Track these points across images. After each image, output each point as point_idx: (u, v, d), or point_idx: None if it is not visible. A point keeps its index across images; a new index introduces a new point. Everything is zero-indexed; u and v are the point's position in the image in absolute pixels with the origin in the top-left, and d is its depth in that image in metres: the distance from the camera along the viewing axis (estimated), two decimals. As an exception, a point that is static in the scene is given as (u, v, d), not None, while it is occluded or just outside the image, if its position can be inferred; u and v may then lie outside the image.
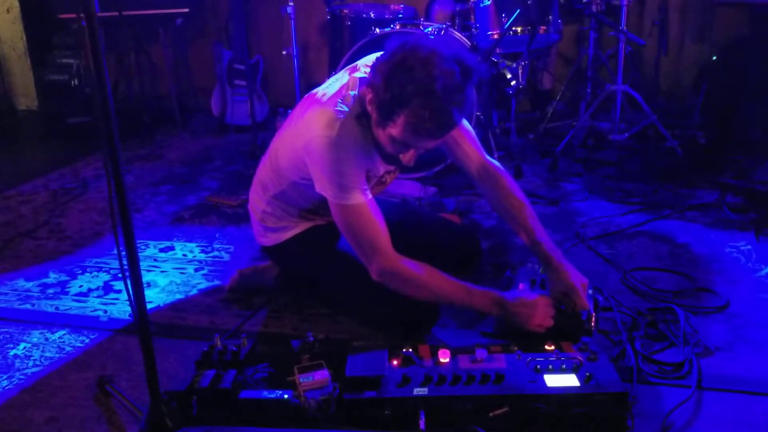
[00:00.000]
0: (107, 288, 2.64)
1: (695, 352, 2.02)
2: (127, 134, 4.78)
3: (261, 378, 1.81)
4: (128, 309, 2.40)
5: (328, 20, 4.48)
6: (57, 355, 2.18)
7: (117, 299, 2.54)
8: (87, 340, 2.27)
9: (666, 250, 2.76)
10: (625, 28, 3.81)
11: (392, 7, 4.29)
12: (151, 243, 3.04)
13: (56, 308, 2.49)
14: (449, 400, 1.67)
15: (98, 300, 2.54)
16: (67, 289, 2.63)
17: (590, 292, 2.10)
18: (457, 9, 4.00)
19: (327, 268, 2.28)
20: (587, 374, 1.70)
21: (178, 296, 2.56)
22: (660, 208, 3.19)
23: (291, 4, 4.18)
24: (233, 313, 2.41)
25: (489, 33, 3.75)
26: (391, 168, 2.21)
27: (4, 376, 2.08)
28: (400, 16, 4.16)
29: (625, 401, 1.67)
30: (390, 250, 2.01)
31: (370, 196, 2.03)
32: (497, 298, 2.01)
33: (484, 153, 2.28)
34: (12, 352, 2.21)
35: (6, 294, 2.61)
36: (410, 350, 1.84)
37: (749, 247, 2.76)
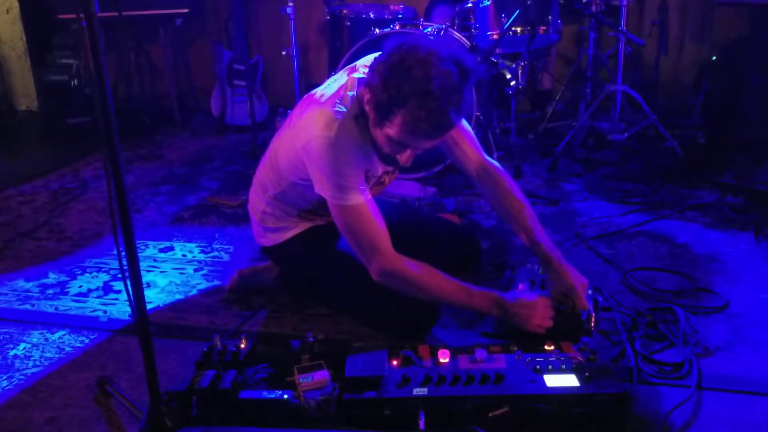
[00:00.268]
0: (107, 288, 2.64)
1: (695, 352, 2.01)
2: (127, 134, 4.78)
3: (261, 378, 1.81)
4: (128, 309, 2.40)
5: (328, 20, 4.48)
6: (57, 356, 2.18)
7: (117, 299, 2.54)
8: (87, 341, 2.27)
9: (666, 250, 2.76)
10: (624, 28, 3.81)
11: (392, 7, 4.29)
12: (151, 243, 3.04)
13: (56, 308, 2.49)
14: (449, 401, 1.67)
15: (98, 300, 2.54)
16: (66, 290, 2.63)
17: (590, 292, 2.10)
18: (457, 9, 4.00)
19: (327, 268, 2.28)
20: (587, 374, 1.70)
21: (178, 296, 2.56)
22: (660, 208, 3.19)
23: (291, 4, 4.18)
24: (233, 313, 2.41)
25: (488, 33, 3.75)
26: (390, 168, 2.21)
27: (4, 377, 2.08)
28: (400, 16, 4.17)
29: (625, 401, 1.67)
30: (390, 250, 2.01)
31: (369, 196, 2.03)
32: (497, 299, 2.01)
33: (484, 153, 2.28)
34: (12, 353, 2.21)
35: (6, 294, 2.61)
36: (410, 350, 1.84)
37: (749, 247, 2.76)
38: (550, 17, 3.76)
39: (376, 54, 1.96)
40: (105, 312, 2.45)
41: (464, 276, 2.09)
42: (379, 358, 1.82)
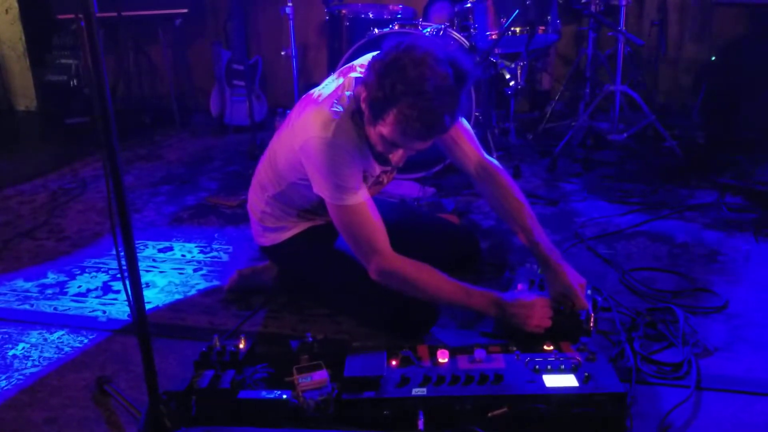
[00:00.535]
0: (106, 288, 2.64)
1: (694, 352, 2.01)
2: (126, 134, 4.78)
3: (260, 378, 1.81)
4: (127, 309, 2.40)
5: (327, 20, 4.48)
6: (56, 356, 2.18)
7: (116, 300, 2.54)
8: (86, 341, 2.27)
9: (665, 251, 2.76)
10: (623, 28, 3.81)
11: (391, 7, 4.29)
12: (150, 243, 3.04)
13: (55, 309, 2.49)
14: (448, 401, 1.67)
15: (97, 300, 2.54)
16: (65, 290, 2.63)
17: (589, 292, 2.10)
18: (456, 9, 4.00)
19: (326, 267, 2.28)
20: (586, 374, 1.70)
21: (177, 296, 2.55)
22: (659, 208, 3.19)
23: (290, 4, 4.19)
24: (232, 313, 2.41)
25: (488, 33, 3.75)
26: (388, 168, 2.21)
27: (3, 377, 2.07)
28: (399, 16, 4.17)
29: (624, 401, 1.67)
30: (388, 250, 2.01)
31: (367, 196, 2.03)
32: (495, 299, 2.01)
33: (483, 152, 2.27)
34: (11, 353, 2.21)
35: (5, 294, 2.61)
36: (409, 350, 1.84)
37: (748, 247, 2.76)
38: (549, 17, 3.76)
39: (375, 53, 1.96)
40: (104, 312, 2.45)
41: (463, 276, 2.09)
42: (378, 358, 1.81)
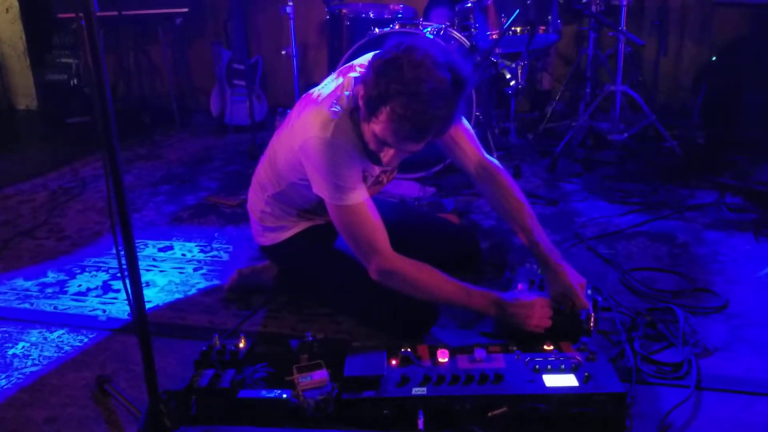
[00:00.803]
0: (106, 287, 2.64)
1: (694, 352, 2.01)
2: (127, 134, 4.78)
3: (260, 378, 1.81)
4: (127, 308, 2.40)
5: (327, 20, 4.48)
6: (56, 355, 2.18)
7: (116, 299, 2.54)
8: (86, 340, 2.27)
9: (665, 251, 2.76)
10: (624, 28, 3.81)
11: (391, 7, 4.28)
12: (150, 243, 3.04)
13: (55, 308, 2.49)
14: (448, 400, 1.67)
15: (97, 299, 2.54)
16: (65, 289, 2.63)
17: (589, 292, 2.10)
18: (457, 9, 4.00)
19: (326, 267, 2.28)
20: (586, 374, 1.70)
21: (177, 296, 2.55)
22: (659, 208, 3.19)
23: (290, 3, 4.18)
24: (232, 312, 2.41)
25: (488, 33, 3.75)
26: (387, 168, 2.21)
27: (3, 376, 2.07)
28: (400, 16, 4.16)
29: (624, 401, 1.67)
30: (388, 250, 2.01)
31: (366, 195, 2.03)
32: (495, 299, 2.01)
33: (484, 152, 2.27)
34: (11, 352, 2.21)
35: (5, 293, 2.61)
36: (409, 350, 1.84)
37: (748, 247, 2.76)
38: (549, 17, 3.76)
39: (375, 53, 1.96)
40: (104, 311, 2.45)
41: (463, 276, 2.09)
42: (378, 357, 1.81)
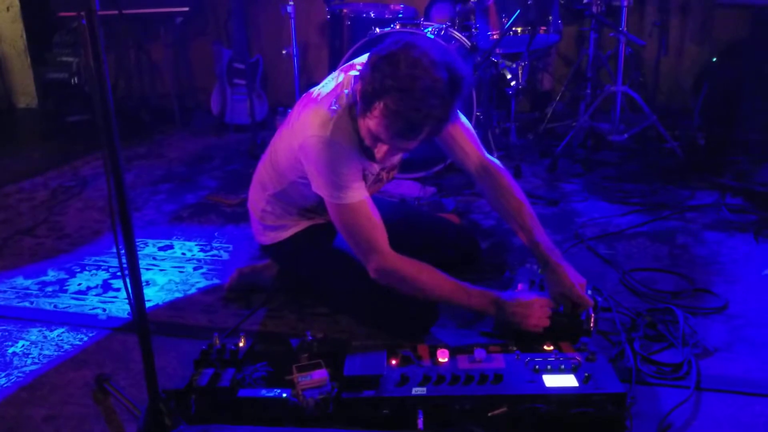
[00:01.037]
0: (106, 286, 2.64)
1: (694, 352, 2.01)
2: (127, 133, 4.78)
3: (259, 377, 1.81)
4: (127, 307, 2.40)
5: (328, 20, 4.48)
6: (55, 353, 2.18)
7: (116, 297, 2.54)
8: (86, 339, 2.27)
9: (665, 251, 2.76)
10: (625, 29, 3.81)
11: (392, 6, 4.29)
12: (150, 242, 3.04)
13: (55, 306, 2.49)
14: (448, 400, 1.67)
15: (97, 298, 2.54)
16: (65, 287, 2.63)
17: (589, 292, 2.10)
18: (457, 9, 4.00)
19: (326, 266, 2.28)
20: (586, 374, 1.70)
21: (177, 295, 2.55)
22: (659, 208, 3.19)
23: (291, 3, 4.18)
24: (232, 312, 2.41)
25: (489, 33, 3.75)
26: (387, 166, 2.20)
27: (3, 374, 2.07)
28: (400, 15, 4.17)
29: (624, 402, 1.66)
30: (387, 249, 2.01)
31: (366, 194, 2.03)
32: (494, 299, 2.01)
33: (484, 151, 2.27)
34: (10, 350, 2.21)
35: (5, 292, 2.61)
36: (409, 350, 1.84)
37: (748, 248, 2.76)
38: (550, 17, 3.76)
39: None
40: (104, 310, 2.45)
41: (463, 276, 2.09)
42: (377, 357, 1.81)
